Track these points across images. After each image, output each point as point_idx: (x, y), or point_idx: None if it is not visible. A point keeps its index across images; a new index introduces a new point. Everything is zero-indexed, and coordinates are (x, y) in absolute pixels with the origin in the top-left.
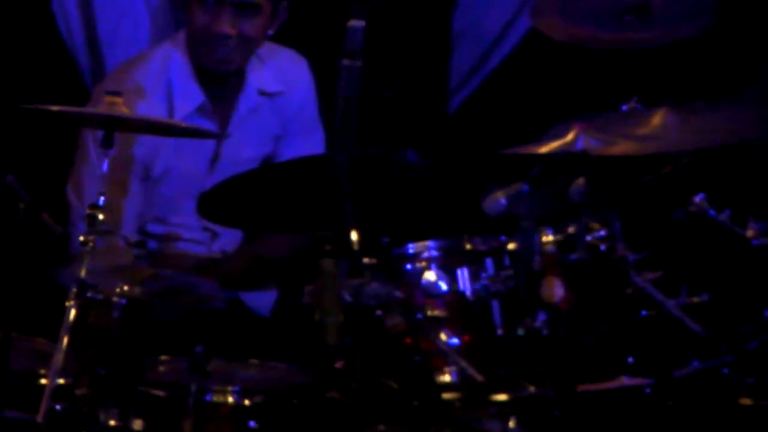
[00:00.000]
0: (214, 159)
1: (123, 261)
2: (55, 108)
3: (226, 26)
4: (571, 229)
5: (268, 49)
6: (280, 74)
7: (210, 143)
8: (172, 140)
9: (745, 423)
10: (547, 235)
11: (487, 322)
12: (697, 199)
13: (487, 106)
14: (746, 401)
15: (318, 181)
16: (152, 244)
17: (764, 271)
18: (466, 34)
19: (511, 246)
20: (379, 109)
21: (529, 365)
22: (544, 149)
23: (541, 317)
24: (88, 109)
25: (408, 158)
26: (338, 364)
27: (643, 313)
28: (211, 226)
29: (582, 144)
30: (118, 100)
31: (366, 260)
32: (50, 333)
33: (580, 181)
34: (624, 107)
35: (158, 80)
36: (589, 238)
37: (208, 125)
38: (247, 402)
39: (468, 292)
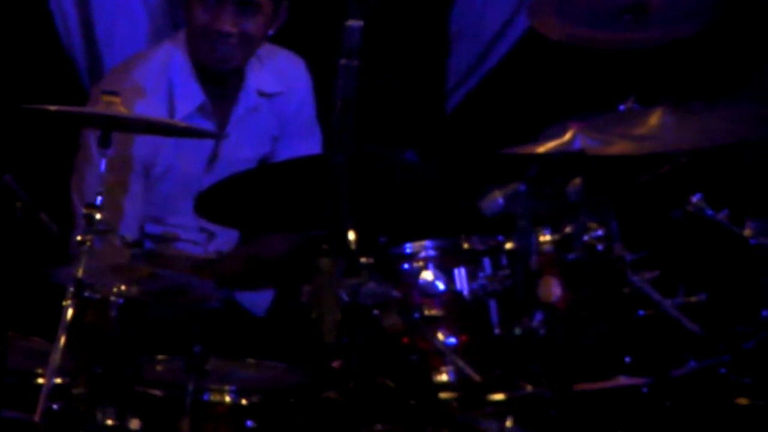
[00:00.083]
0: (212, 159)
1: (120, 260)
2: (52, 107)
3: (228, 24)
4: (568, 229)
5: (267, 49)
6: (279, 75)
7: (208, 143)
8: (172, 140)
9: (742, 422)
10: (544, 235)
11: (484, 321)
12: (695, 198)
13: (485, 106)
14: (743, 401)
15: (315, 180)
16: (149, 244)
17: (762, 271)
18: (464, 34)
19: (508, 245)
20: (377, 108)
21: (526, 365)
22: (541, 149)
23: (539, 317)
24: (86, 109)
25: (405, 158)
26: (335, 364)
27: (641, 312)
28: (208, 226)
29: (579, 144)
30: (116, 99)
31: (363, 260)
32: (47, 332)
33: (578, 180)
34: (621, 107)
35: (159, 80)
36: (586, 237)
37: (208, 125)
38: (244, 401)
39: (465, 292)
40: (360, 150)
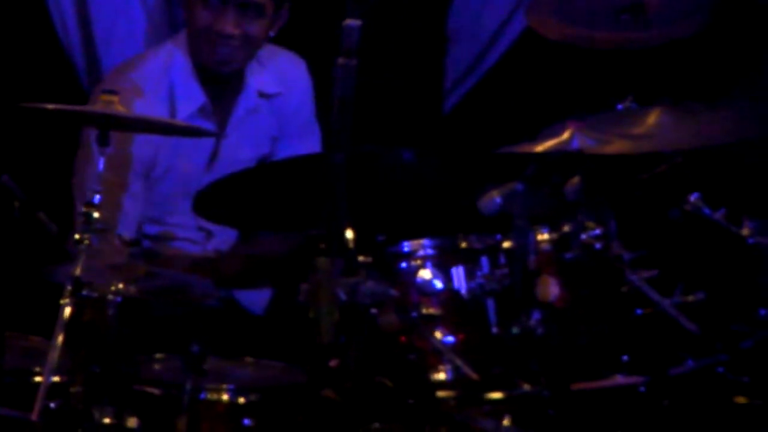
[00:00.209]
0: (212, 159)
1: (118, 259)
2: (50, 106)
3: (230, 26)
4: (566, 228)
5: (267, 50)
6: (279, 76)
7: (208, 143)
8: (172, 140)
9: (739, 422)
10: (542, 234)
11: (482, 320)
12: (693, 197)
13: (483, 106)
14: (741, 400)
15: (313, 179)
16: (147, 244)
17: (759, 270)
18: (462, 34)
19: (506, 244)
20: (375, 108)
21: (524, 364)
22: (539, 148)
23: (536, 316)
24: (83, 108)
25: (403, 157)
26: (333, 363)
27: (638, 311)
28: (207, 225)
29: (577, 143)
30: (114, 98)
31: (361, 258)
32: (45, 331)
33: (576, 179)
34: (619, 106)
35: (160, 81)
36: (584, 236)
37: (208, 126)
38: (241, 400)
39: (463, 291)
40: (358, 149)
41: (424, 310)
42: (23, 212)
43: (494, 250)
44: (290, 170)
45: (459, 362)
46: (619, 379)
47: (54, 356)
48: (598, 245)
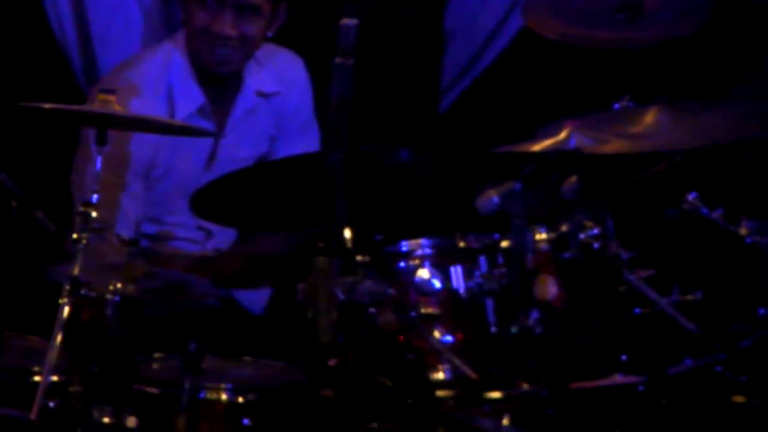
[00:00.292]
0: (211, 159)
1: (117, 259)
2: (47, 105)
3: (227, 27)
4: (564, 228)
5: (266, 49)
6: (277, 75)
7: (207, 143)
8: (171, 140)
9: (738, 421)
10: (540, 234)
11: (480, 319)
12: (690, 197)
13: (480, 105)
14: (739, 399)
15: (311, 179)
16: (145, 243)
17: (757, 269)
18: (459, 33)
19: (504, 244)
20: (372, 107)
21: (522, 363)
22: (536, 147)
23: (535, 315)
24: (80, 107)
25: (401, 156)
26: (331, 362)
27: (637, 311)
28: (206, 225)
29: (575, 142)
30: (111, 98)
31: (359, 258)
32: (44, 330)
33: (573, 179)
34: (616, 105)
35: (159, 81)
36: (582, 236)
37: (207, 126)
38: (240, 399)
39: (461, 290)
40: (355, 148)
41: (423, 310)
42: (21, 211)
43: (492, 250)
44: (288, 169)
45: (458, 362)
46: (618, 379)
47: (53, 356)
48: (596, 245)
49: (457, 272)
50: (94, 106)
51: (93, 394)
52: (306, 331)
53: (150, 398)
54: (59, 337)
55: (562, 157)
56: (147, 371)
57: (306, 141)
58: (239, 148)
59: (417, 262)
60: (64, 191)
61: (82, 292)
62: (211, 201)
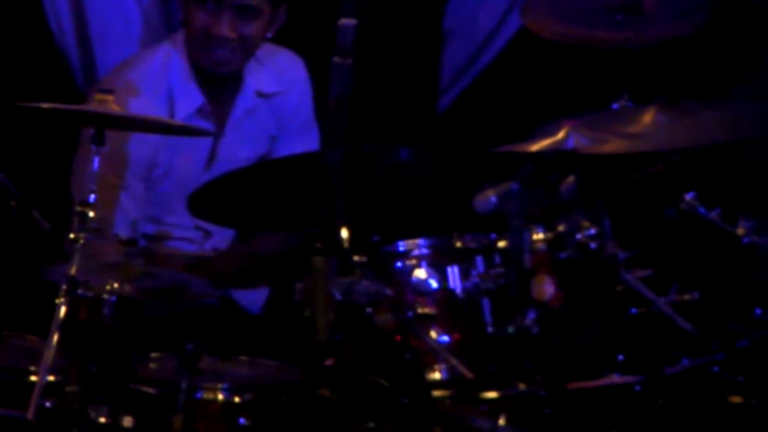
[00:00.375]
0: (210, 159)
1: (114, 258)
2: (45, 105)
3: (226, 29)
4: (561, 227)
5: (266, 49)
6: (277, 75)
7: (206, 143)
8: (172, 140)
9: (735, 421)
10: (537, 233)
11: (477, 319)
12: (688, 197)
13: (478, 104)
14: (736, 399)
15: (308, 178)
16: (143, 243)
17: (754, 269)
18: (457, 32)
19: (501, 244)
20: (370, 106)
21: (519, 363)
22: (534, 147)
23: (532, 315)
24: (78, 106)
25: (399, 156)
26: (328, 362)
27: (634, 310)
28: (205, 225)
29: (572, 142)
30: (109, 98)
31: (356, 258)
32: (40, 330)
33: (571, 179)
34: (615, 105)
35: (159, 81)
36: (579, 236)
37: (207, 126)
38: (237, 399)
39: (458, 290)
40: (354, 148)
41: (420, 310)
42: (20, 211)
43: (489, 250)
44: (286, 169)
45: (454, 361)
46: (615, 379)
47: (49, 355)
48: (593, 245)
49: (454, 272)
50: (91, 106)
51: (90, 393)
52: (303, 331)
53: (147, 398)
54: (56, 337)
55: (560, 157)
56: (144, 371)
57: (306, 141)
58: (239, 149)
59: (414, 262)
60: (64, 191)
61: (79, 291)
62: (208, 201)
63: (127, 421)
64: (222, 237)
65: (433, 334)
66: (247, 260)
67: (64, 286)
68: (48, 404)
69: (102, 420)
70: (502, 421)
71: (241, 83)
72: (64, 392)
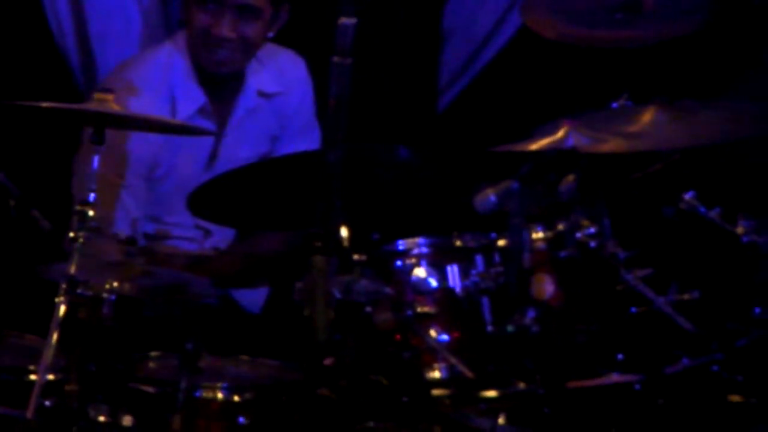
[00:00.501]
0: (212, 159)
1: (114, 257)
2: (45, 104)
3: (227, 29)
4: (561, 227)
5: (267, 49)
6: (279, 75)
7: (208, 143)
8: (173, 140)
9: (734, 420)
10: (537, 232)
11: (476, 318)
12: (688, 196)
13: (478, 104)
14: (736, 398)
15: (308, 177)
16: (142, 242)
17: (754, 269)
18: (457, 32)
19: (501, 243)
20: (370, 106)
21: (518, 362)
22: (534, 147)
23: (531, 314)
24: (78, 106)
25: (399, 155)
26: (328, 361)
27: (633, 310)
28: (205, 224)
29: (572, 141)
30: (108, 97)
31: (356, 257)
32: (40, 329)
33: (570, 178)
34: (614, 105)
35: (160, 82)
36: (579, 235)
37: (208, 126)
38: (236, 398)
39: (458, 289)
40: (353, 147)
41: (419, 309)
42: (19, 211)
43: (489, 249)
44: (285, 168)
45: (454, 360)
46: (615, 378)
47: (49, 354)
48: (592, 244)
49: (453, 271)
50: (91, 105)
51: (89, 392)
52: (303, 330)
53: (146, 397)
54: (55, 336)
55: (559, 156)
56: (143, 370)
57: (307, 141)
58: (240, 148)
59: (414, 260)
60: (64, 190)
61: (79, 290)
62: (208, 200)
63: (127, 421)
64: (222, 236)
65: (433, 332)
66: (247, 260)
67: (64, 285)
68: (47, 403)
69: (101, 419)
70: (501, 420)
71: (243, 83)
72: (63, 391)
